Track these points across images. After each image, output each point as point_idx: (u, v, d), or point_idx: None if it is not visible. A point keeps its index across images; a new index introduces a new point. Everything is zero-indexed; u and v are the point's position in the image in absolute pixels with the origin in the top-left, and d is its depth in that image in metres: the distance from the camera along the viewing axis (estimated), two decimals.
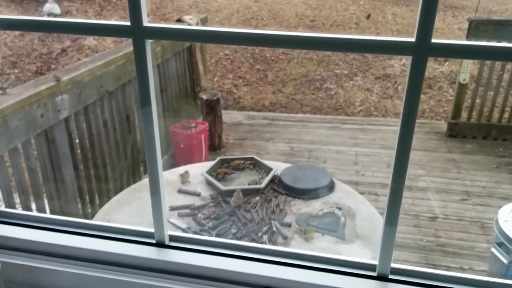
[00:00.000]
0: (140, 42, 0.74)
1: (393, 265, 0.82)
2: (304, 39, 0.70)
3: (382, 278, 0.82)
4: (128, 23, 0.74)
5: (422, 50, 0.66)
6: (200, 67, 4.39)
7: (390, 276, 0.82)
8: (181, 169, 2.39)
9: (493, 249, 2.14)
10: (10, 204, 2.19)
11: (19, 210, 1.05)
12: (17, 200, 2.27)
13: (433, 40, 0.65)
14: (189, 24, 4.15)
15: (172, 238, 0.92)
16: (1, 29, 0.83)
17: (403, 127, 0.71)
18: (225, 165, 2.38)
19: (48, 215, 0.99)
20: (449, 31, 7.19)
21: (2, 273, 0.81)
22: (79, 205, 2.74)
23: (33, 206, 2.36)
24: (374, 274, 0.83)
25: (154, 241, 0.92)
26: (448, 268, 2.75)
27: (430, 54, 0.66)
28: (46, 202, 2.46)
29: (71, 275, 0.90)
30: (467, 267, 2.74)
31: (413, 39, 0.66)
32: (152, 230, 0.92)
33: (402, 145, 0.73)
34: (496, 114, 4.45)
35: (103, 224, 0.96)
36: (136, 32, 0.74)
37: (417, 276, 0.82)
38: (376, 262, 0.83)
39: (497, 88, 4.33)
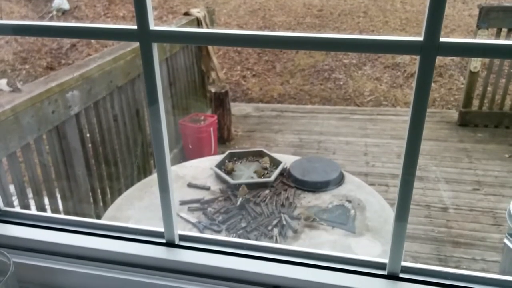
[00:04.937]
0: (147, 45, 0.74)
1: (403, 263, 0.82)
2: (311, 39, 0.70)
3: (392, 277, 0.82)
4: (135, 27, 0.74)
5: (430, 50, 0.65)
6: (214, 59, 4.39)
7: (401, 275, 0.82)
8: (192, 165, 2.41)
9: (505, 240, 2.12)
10: (23, 199, 2.22)
11: (31, 211, 1.07)
12: (30, 195, 2.31)
13: (441, 39, 0.64)
14: (197, 17, 4.14)
15: (182, 237, 0.93)
16: (11, 35, 0.83)
17: (412, 128, 0.71)
18: (234, 158, 2.39)
19: (60, 215, 1.01)
20: (459, 18, 7.08)
21: (16, 273, 0.82)
22: (91, 199, 2.78)
23: (46, 200, 2.40)
24: (385, 272, 0.83)
25: (164, 241, 0.93)
26: (460, 259, 2.74)
27: (439, 54, 0.65)
28: (58, 196, 2.49)
29: (83, 275, 0.92)
30: (479, 258, 2.73)
31: (421, 38, 0.65)
32: (162, 229, 0.92)
33: (411, 147, 0.73)
34: (508, 102, 4.38)
35: (114, 224, 0.97)
36: (143, 36, 0.74)
37: (428, 275, 0.81)
38: (386, 261, 0.83)
39: (509, 75, 4.26)
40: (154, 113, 0.82)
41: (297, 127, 4.68)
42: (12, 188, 2.17)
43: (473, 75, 4.35)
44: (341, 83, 5.95)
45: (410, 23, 7.22)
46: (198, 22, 4.17)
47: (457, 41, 0.65)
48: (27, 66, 6.72)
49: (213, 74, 4.44)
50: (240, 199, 2.01)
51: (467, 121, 4.45)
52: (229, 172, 2.24)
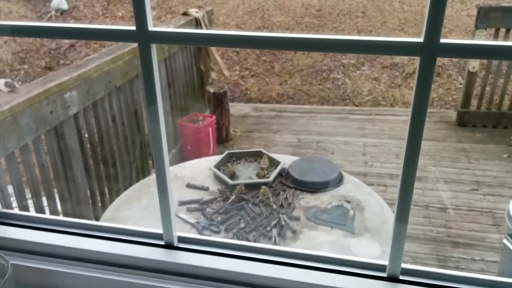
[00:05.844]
0: (145, 46, 0.74)
1: (403, 265, 0.82)
2: (310, 41, 0.70)
3: (392, 279, 0.82)
4: (134, 28, 0.74)
5: (430, 51, 0.65)
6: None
7: (401, 277, 0.82)
8: (191, 165, 2.40)
9: (504, 240, 2.12)
10: (21, 200, 2.22)
11: (29, 213, 1.06)
12: (28, 196, 2.30)
13: (442, 40, 0.64)
14: (195, 17, 4.14)
15: (181, 239, 0.92)
16: (9, 35, 0.83)
17: (412, 130, 0.71)
18: (233, 159, 2.39)
19: (58, 217, 1.00)
20: (457, 18, 7.08)
21: (13, 275, 0.82)
22: (89, 200, 2.77)
23: (44, 201, 2.39)
24: (384, 275, 0.83)
25: (163, 243, 0.92)
26: (459, 260, 2.74)
27: (439, 55, 0.65)
28: (57, 197, 2.48)
29: (82, 277, 0.91)
30: (478, 258, 2.73)
31: (421, 39, 0.65)
32: (160, 231, 0.92)
33: (411, 149, 0.73)
34: (506, 102, 4.39)
35: (113, 226, 0.96)
36: (142, 37, 0.74)
37: (429, 277, 0.81)
38: (386, 263, 0.82)
39: (508, 75, 4.26)
40: (152, 114, 0.82)
41: (296, 127, 4.68)
42: (10, 188, 2.17)
43: (471, 75, 4.35)
44: (340, 83, 5.95)
45: (408, 23, 7.22)
46: (197, 22, 4.16)
47: (457, 42, 0.65)
48: (25, 66, 6.70)
49: (213, 74, 4.44)
50: (234, 196, 2.01)
51: (466, 121, 4.46)
52: (228, 173, 2.24)
